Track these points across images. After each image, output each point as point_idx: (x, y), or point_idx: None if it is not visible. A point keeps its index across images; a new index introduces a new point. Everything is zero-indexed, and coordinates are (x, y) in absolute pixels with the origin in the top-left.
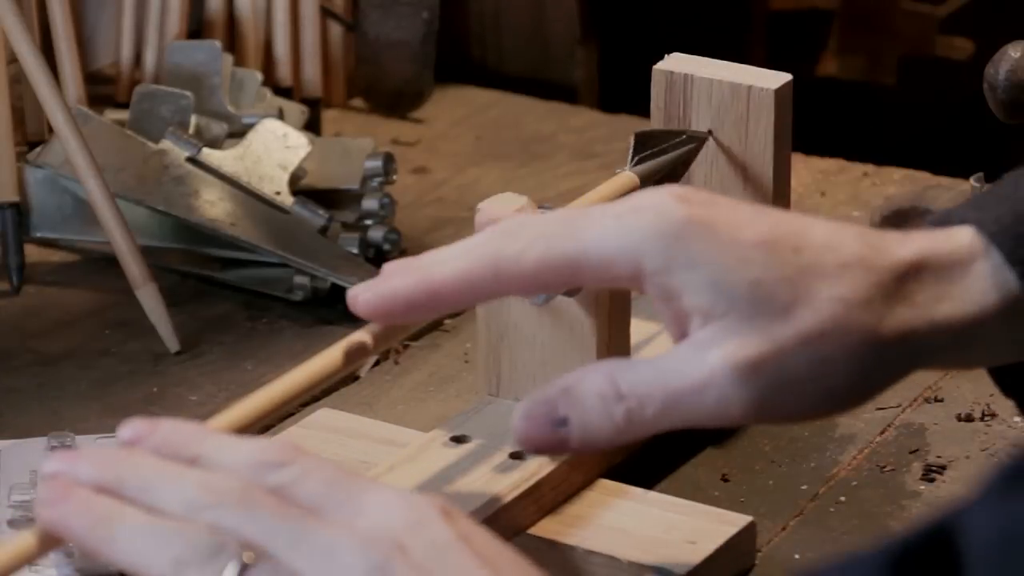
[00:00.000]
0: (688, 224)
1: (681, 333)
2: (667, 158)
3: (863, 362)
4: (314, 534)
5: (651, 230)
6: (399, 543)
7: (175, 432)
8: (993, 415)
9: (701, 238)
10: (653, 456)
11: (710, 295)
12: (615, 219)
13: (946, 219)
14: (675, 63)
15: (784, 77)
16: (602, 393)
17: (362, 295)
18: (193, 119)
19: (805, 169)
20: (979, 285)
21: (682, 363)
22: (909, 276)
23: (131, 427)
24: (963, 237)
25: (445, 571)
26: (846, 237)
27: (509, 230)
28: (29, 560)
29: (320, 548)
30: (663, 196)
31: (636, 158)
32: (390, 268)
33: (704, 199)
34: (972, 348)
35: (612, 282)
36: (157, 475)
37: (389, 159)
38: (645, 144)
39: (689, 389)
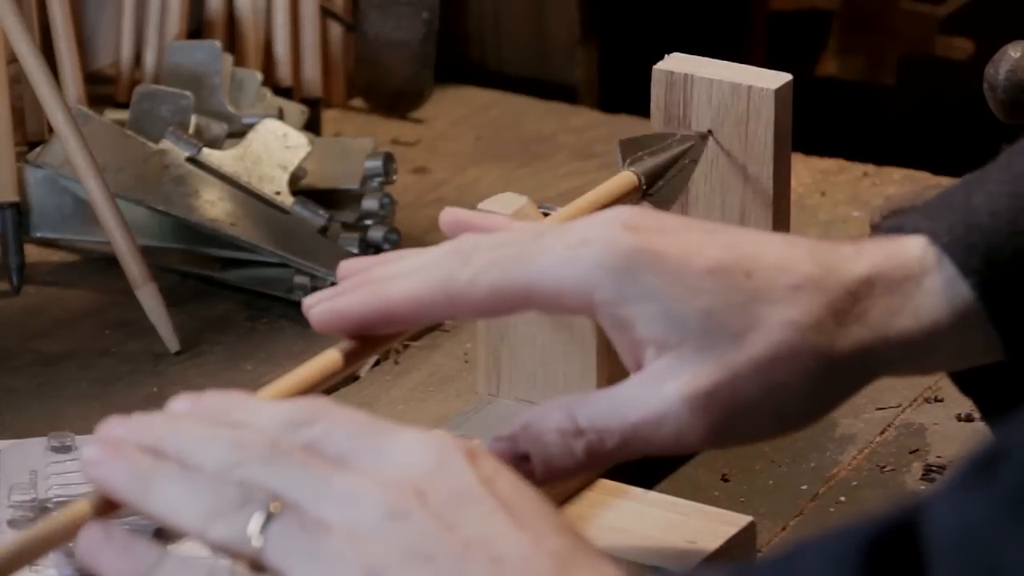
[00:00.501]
0: (637, 254)
1: (636, 363)
2: (667, 157)
3: (817, 383)
4: (337, 483)
5: (601, 262)
6: (419, 488)
7: (216, 402)
8: None
9: (650, 269)
10: (653, 456)
11: (662, 326)
12: (566, 250)
13: (898, 227)
14: (675, 63)
15: (784, 77)
16: (561, 429)
17: (315, 308)
18: (193, 119)
19: (805, 169)
20: (931, 299)
21: (638, 395)
22: (861, 293)
23: (179, 402)
24: (915, 248)
25: (462, 516)
26: (798, 256)
27: (463, 251)
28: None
29: (342, 496)
30: (612, 227)
31: (628, 159)
32: (345, 279)
33: (653, 225)
34: (927, 358)
35: (564, 312)
36: (193, 436)
37: (389, 159)
38: (631, 149)
39: (646, 421)
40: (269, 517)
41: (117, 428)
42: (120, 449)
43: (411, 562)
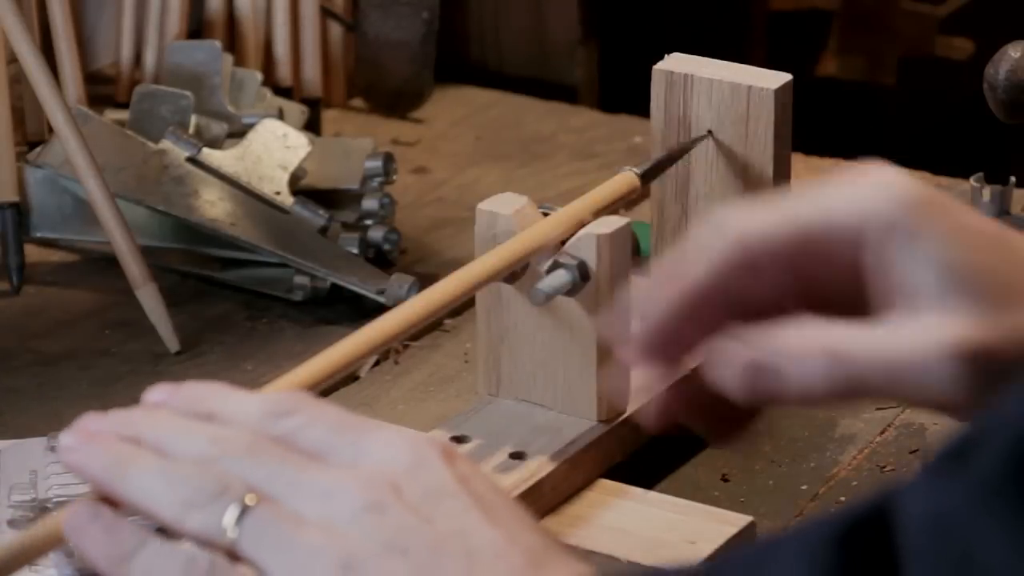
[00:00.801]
0: (919, 197)
1: (889, 309)
2: (667, 156)
3: None
4: (313, 476)
5: (882, 194)
6: (395, 484)
7: (195, 392)
8: None
9: (930, 215)
10: (653, 456)
11: (937, 273)
12: (843, 186)
13: None
14: (675, 63)
15: (784, 77)
16: (827, 350)
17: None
18: (193, 119)
19: (805, 169)
20: None
21: (907, 335)
22: None
23: (156, 392)
24: None
25: (438, 513)
26: None
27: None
28: (30, 559)
29: (318, 489)
30: (895, 172)
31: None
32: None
33: (927, 186)
34: None
35: (838, 252)
36: (171, 429)
37: (389, 159)
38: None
39: (913, 366)
40: (245, 509)
41: (95, 422)
42: (98, 437)
43: (387, 555)
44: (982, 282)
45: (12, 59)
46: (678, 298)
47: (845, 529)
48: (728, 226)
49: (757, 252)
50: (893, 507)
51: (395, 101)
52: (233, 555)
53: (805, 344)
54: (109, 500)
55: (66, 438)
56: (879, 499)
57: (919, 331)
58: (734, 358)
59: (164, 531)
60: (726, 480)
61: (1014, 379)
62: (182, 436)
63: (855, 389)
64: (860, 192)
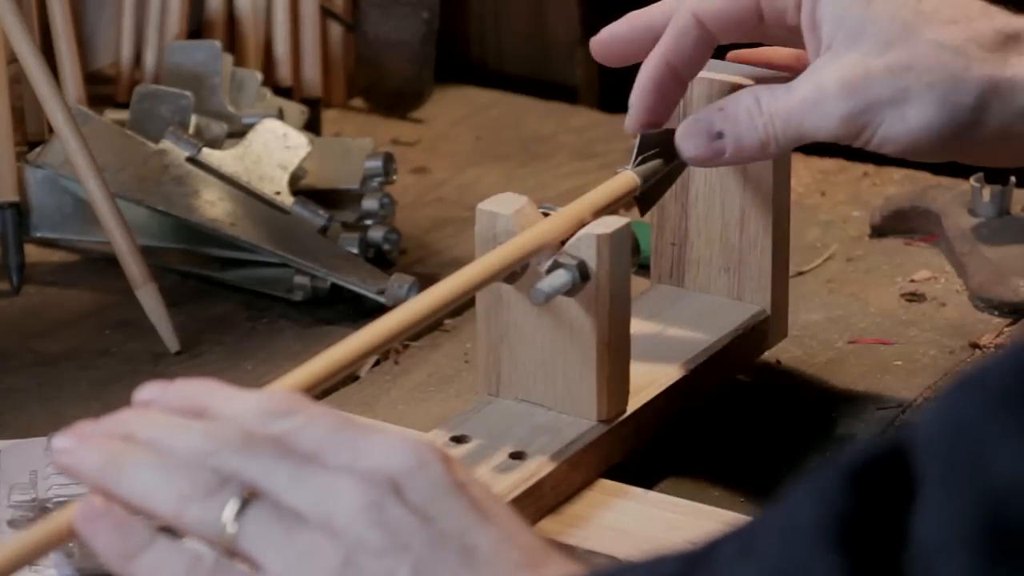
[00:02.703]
0: None
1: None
2: (667, 158)
3: (939, 99)
4: (313, 474)
5: None
6: (396, 483)
7: (186, 389)
8: None
9: None
10: (653, 456)
11: (834, 25)
12: None
13: None
14: None
15: (784, 77)
16: (749, 110)
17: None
18: (193, 119)
19: (805, 169)
20: None
21: (802, 82)
22: (1010, 40)
23: (147, 390)
24: None
25: (438, 513)
26: (969, 2)
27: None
28: (30, 560)
29: (318, 487)
30: None
31: (639, 158)
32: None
33: None
34: None
35: (777, 17)
36: (165, 427)
37: (389, 159)
38: (650, 144)
39: (803, 103)
40: (244, 504)
41: (87, 426)
42: (92, 437)
43: (387, 552)
44: (866, 28)
45: (12, 59)
46: (653, 75)
47: (858, 465)
48: (685, 6)
49: (712, 28)
50: (908, 439)
51: (395, 101)
52: (230, 551)
53: (735, 106)
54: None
55: (59, 441)
56: (895, 436)
57: (809, 76)
58: (693, 128)
59: (167, 532)
60: (726, 480)
61: (882, 111)
62: (176, 432)
63: (772, 140)
64: None
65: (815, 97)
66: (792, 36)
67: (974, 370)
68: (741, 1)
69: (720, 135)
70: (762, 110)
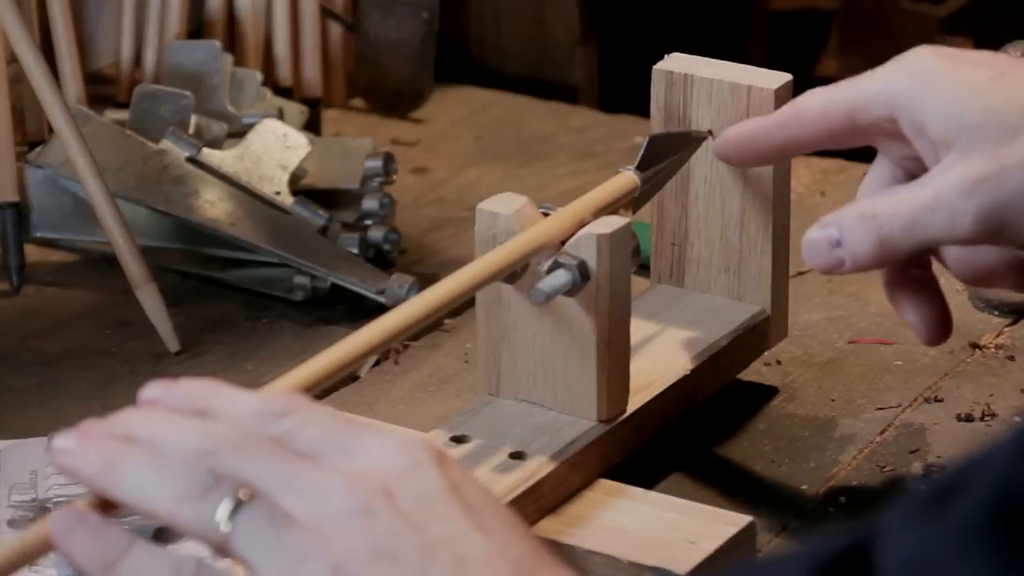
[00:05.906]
0: (935, 61)
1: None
2: (668, 159)
3: None
4: (306, 476)
5: (903, 69)
6: (387, 488)
7: (190, 388)
8: (993, 415)
9: (944, 74)
10: (653, 456)
11: (946, 123)
12: (882, 69)
13: None
14: (675, 63)
15: (784, 77)
16: (862, 214)
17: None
18: (193, 119)
19: (805, 169)
20: None
21: (921, 186)
22: None
23: (151, 389)
24: None
25: (428, 518)
26: None
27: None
28: (30, 559)
29: (310, 489)
30: (922, 48)
31: (643, 158)
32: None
33: (957, 50)
34: None
35: (876, 125)
36: (163, 426)
37: (389, 159)
38: (656, 147)
39: (924, 206)
40: (238, 504)
41: (89, 427)
42: (91, 438)
43: (376, 560)
44: (985, 122)
45: (12, 59)
46: (754, 134)
47: (822, 563)
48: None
49: (814, 124)
50: (872, 545)
51: (395, 101)
52: (223, 551)
53: (847, 212)
54: (106, 502)
55: (59, 441)
56: (857, 535)
57: (930, 179)
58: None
59: (162, 533)
60: (726, 480)
61: (1016, 207)
62: (174, 432)
63: (890, 244)
64: (885, 73)
65: (939, 198)
66: (899, 141)
67: (940, 488)
68: (832, 113)
69: (838, 243)
70: (877, 213)
